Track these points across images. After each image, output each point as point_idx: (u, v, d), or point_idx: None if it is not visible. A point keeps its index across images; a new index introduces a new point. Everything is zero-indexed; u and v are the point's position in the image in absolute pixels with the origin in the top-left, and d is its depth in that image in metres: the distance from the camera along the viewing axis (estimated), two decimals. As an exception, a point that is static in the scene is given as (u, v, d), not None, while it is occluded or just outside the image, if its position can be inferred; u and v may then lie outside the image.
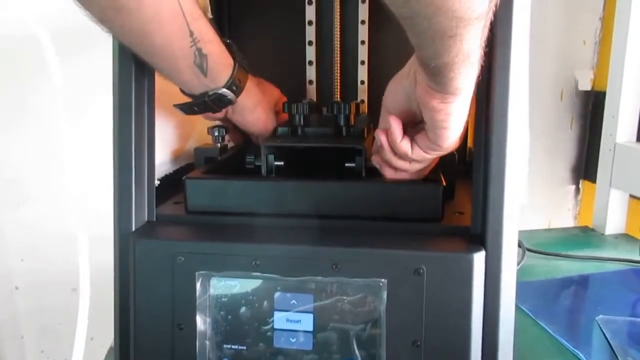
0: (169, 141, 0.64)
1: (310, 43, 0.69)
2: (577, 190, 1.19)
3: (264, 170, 0.54)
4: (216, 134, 0.61)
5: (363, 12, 0.68)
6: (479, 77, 0.41)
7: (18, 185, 0.98)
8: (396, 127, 0.47)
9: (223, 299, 0.46)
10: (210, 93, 0.50)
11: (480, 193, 0.45)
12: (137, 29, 0.43)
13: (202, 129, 0.66)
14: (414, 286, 0.43)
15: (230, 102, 0.52)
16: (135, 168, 0.49)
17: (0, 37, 0.90)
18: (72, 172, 0.96)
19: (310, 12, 0.69)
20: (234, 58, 0.52)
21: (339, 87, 0.70)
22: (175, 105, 0.53)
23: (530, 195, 1.15)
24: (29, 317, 1.06)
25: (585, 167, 1.16)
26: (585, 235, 1.03)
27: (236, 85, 0.52)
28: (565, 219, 1.21)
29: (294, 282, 0.45)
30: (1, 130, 0.96)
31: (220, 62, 0.50)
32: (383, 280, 0.43)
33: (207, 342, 0.47)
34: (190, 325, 0.46)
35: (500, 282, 0.43)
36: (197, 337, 0.46)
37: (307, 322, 0.45)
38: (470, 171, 0.46)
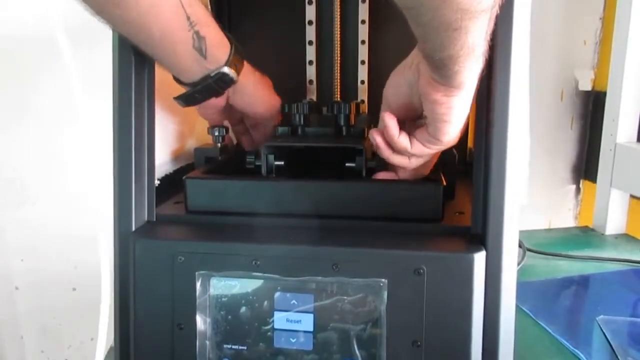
0: (169, 141, 0.64)
1: (310, 43, 0.69)
2: (578, 190, 1.19)
3: (264, 170, 0.54)
4: (216, 133, 0.61)
5: (363, 11, 0.68)
6: (480, 74, 0.41)
7: (18, 185, 0.98)
8: (392, 123, 0.47)
9: (223, 299, 0.46)
10: (212, 74, 0.50)
11: (480, 193, 0.45)
12: (135, 19, 0.43)
13: (202, 129, 0.66)
14: (415, 286, 0.43)
15: (232, 81, 0.51)
16: (135, 168, 0.49)
17: (1, 37, 0.90)
18: (73, 172, 0.96)
19: (310, 12, 0.69)
20: (229, 39, 0.52)
21: (339, 86, 0.70)
22: (175, 98, 0.53)
23: (531, 195, 1.14)
24: (29, 317, 1.06)
25: (586, 167, 1.16)
26: (585, 235, 1.03)
27: (235, 64, 0.51)
28: (565, 219, 1.20)
29: (294, 282, 0.45)
30: (1, 130, 0.96)
31: (218, 43, 0.50)
32: (383, 280, 0.43)
33: (207, 342, 0.47)
34: (190, 325, 0.46)
35: (500, 282, 0.43)
36: (197, 337, 0.46)
37: (307, 322, 0.45)
38: (470, 171, 0.46)
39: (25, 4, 0.89)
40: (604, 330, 0.65)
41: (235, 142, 0.68)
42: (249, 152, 0.60)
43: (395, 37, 0.67)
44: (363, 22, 0.68)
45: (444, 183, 0.49)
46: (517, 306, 0.44)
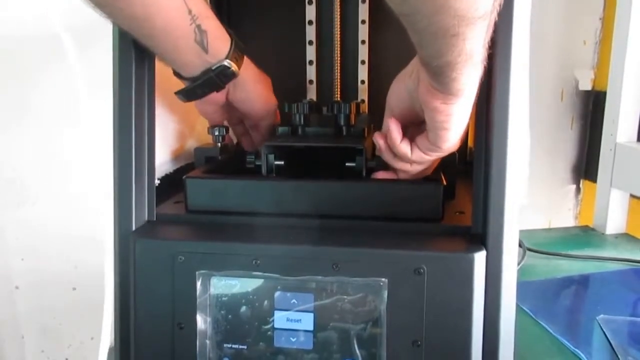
0: (169, 141, 0.64)
1: (310, 43, 0.69)
2: (578, 190, 1.19)
3: (264, 170, 0.54)
4: (216, 133, 0.61)
5: (363, 11, 0.68)
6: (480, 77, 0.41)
7: (18, 185, 0.98)
8: (395, 129, 0.47)
9: (223, 299, 0.46)
10: (213, 68, 0.50)
11: (480, 193, 0.45)
12: (137, 12, 0.43)
13: (202, 129, 0.66)
14: (415, 286, 0.43)
15: (233, 75, 0.51)
16: (135, 167, 0.49)
17: (0, 37, 0.90)
18: (73, 172, 0.96)
19: (310, 12, 0.69)
20: (229, 33, 0.52)
21: (339, 86, 0.70)
22: (176, 93, 0.53)
23: (531, 195, 1.14)
24: (29, 317, 1.06)
25: (586, 166, 1.16)
26: (585, 235, 1.03)
27: (236, 58, 0.51)
28: (565, 218, 1.20)
29: (294, 281, 0.45)
30: (1, 130, 0.96)
31: (219, 37, 0.50)
32: (383, 279, 0.43)
33: (208, 342, 0.47)
34: (190, 324, 0.46)
35: (500, 282, 0.43)
36: (198, 337, 0.46)
37: (307, 322, 0.45)
38: (470, 171, 0.46)
39: (26, 4, 0.89)
40: (604, 330, 0.65)
41: (235, 142, 0.68)
42: (249, 152, 0.60)
43: (395, 37, 0.67)
44: (363, 22, 0.68)
45: (444, 183, 0.49)
46: (517, 306, 0.44)
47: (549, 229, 1.14)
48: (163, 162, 0.61)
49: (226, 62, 0.50)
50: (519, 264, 0.81)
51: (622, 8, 0.96)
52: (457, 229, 0.47)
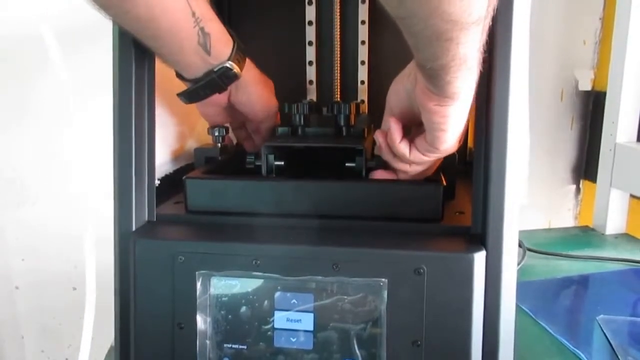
0: (169, 141, 0.64)
1: (310, 43, 0.69)
2: (578, 190, 1.19)
3: (264, 170, 0.54)
4: (216, 134, 0.61)
5: (363, 12, 0.68)
6: (479, 77, 0.41)
7: (18, 185, 0.98)
8: (395, 129, 0.47)
9: (223, 299, 0.46)
10: (215, 69, 0.50)
11: (480, 193, 0.45)
12: (143, 14, 0.44)
13: (202, 129, 0.66)
14: (415, 286, 0.43)
15: (235, 76, 0.52)
16: (135, 168, 0.49)
17: (0, 37, 0.90)
18: (73, 172, 0.96)
19: (310, 12, 0.69)
20: (231, 35, 0.52)
21: (339, 87, 0.70)
22: (178, 94, 0.53)
23: (531, 195, 1.15)
24: (29, 317, 1.06)
25: (586, 167, 1.16)
26: (585, 235, 1.03)
27: (238, 60, 0.52)
28: (565, 218, 1.20)
29: (294, 281, 0.45)
30: (1, 130, 0.96)
31: (222, 39, 0.50)
32: (383, 279, 0.43)
33: (208, 342, 0.47)
34: (190, 324, 0.46)
35: (500, 282, 0.43)
36: (198, 337, 0.46)
37: (307, 322, 0.45)
38: (470, 171, 0.46)
39: (26, 4, 0.89)
40: (604, 330, 0.65)
41: (235, 142, 0.68)
42: (249, 152, 0.60)
43: (395, 38, 0.67)
44: (363, 22, 0.68)
45: (444, 183, 0.49)
46: (517, 306, 0.44)
47: (549, 229, 1.14)
48: (163, 163, 0.61)
49: (228, 64, 0.50)
50: (518, 264, 0.81)
51: (622, 8, 0.96)
52: (456, 229, 0.47)
